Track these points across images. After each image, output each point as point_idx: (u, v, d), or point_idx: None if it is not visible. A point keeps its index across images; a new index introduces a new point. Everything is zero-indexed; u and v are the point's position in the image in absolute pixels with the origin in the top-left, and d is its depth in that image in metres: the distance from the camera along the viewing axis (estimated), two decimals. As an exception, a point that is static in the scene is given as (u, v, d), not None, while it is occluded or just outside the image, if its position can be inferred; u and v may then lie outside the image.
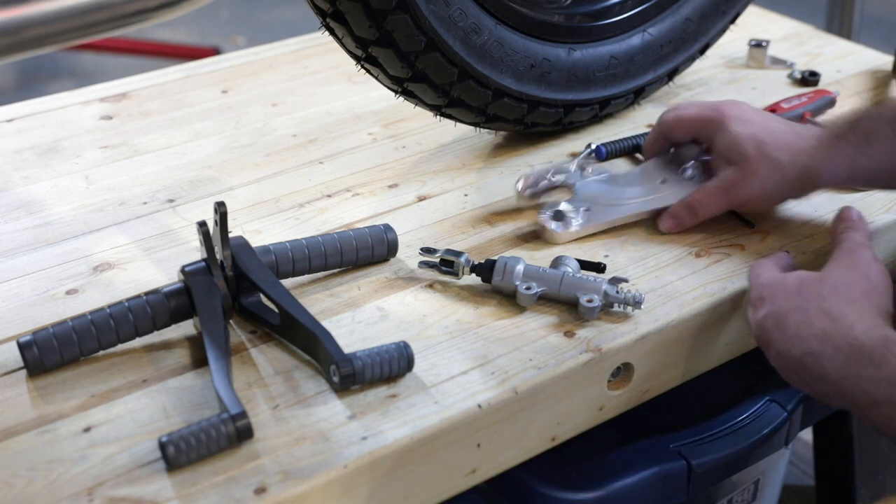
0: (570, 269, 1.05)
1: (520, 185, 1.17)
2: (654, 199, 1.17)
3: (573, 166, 1.19)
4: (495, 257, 1.05)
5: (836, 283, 0.96)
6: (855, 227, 1.05)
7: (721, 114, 1.14)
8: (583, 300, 1.01)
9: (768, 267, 1.03)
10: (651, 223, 1.17)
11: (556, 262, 1.07)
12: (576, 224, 1.14)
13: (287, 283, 1.05)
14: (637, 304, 1.01)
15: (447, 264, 1.06)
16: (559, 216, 1.14)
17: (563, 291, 1.03)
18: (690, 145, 1.19)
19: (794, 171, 1.09)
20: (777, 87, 1.49)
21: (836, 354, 0.90)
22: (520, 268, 1.04)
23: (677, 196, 1.16)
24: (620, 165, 1.30)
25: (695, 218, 1.14)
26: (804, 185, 1.11)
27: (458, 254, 1.06)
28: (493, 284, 1.05)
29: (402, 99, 1.26)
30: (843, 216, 1.07)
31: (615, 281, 1.03)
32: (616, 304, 1.02)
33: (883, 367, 0.88)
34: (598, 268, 1.07)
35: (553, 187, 1.18)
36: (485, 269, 1.05)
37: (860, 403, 0.90)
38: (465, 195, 1.24)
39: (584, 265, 1.08)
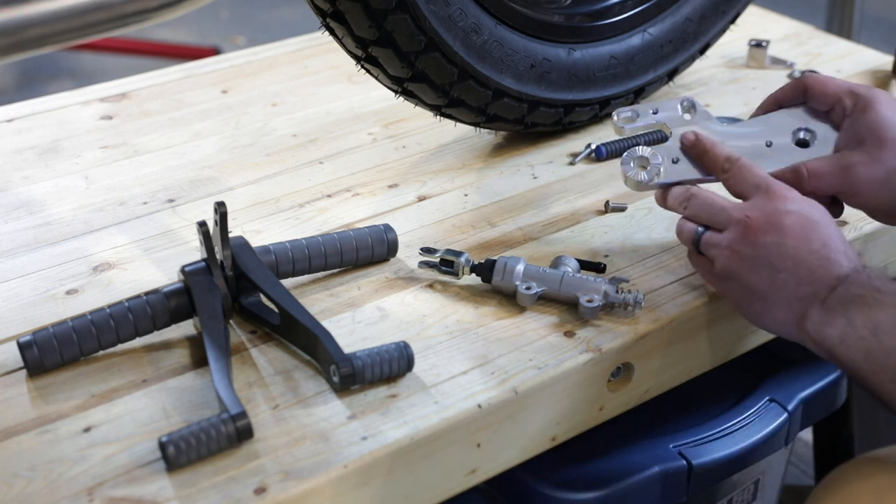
0: (570, 269, 1.05)
1: (618, 116, 1.10)
2: (756, 162, 1.05)
3: (679, 108, 1.10)
4: (495, 257, 1.05)
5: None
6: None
7: (874, 94, 1.07)
8: (583, 300, 1.01)
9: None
10: (653, 224, 1.16)
11: (556, 262, 1.07)
12: (659, 177, 1.06)
13: (287, 283, 1.05)
14: (637, 304, 1.01)
15: (447, 264, 1.06)
16: (643, 163, 1.07)
17: (563, 291, 1.03)
18: (803, 114, 1.10)
19: None
20: (777, 88, 1.49)
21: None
22: (520, 268, 1.04)
23: (783, 162, 1.07)
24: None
25: (799, 187, 1.04)
26: None
27: (458, 254, 1.06)
28: (493, 284, 1.05)
29: (402, 99, 1.26)
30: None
31: (615, 281, 1.03)
32: (616, 305, 1.02)
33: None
34: (598, 268, 1.07)
35: (651, 126, 1.11)
36: (485, 269, 1.05)
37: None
38: (465, 195, 1.24)
39: (584, 265, 1.07)
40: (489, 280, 1.05)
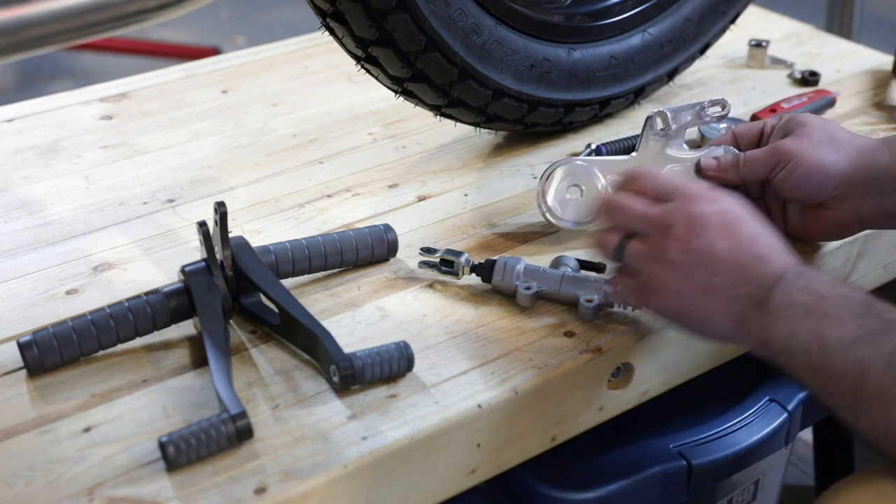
0: (569, 269, 1.05)
1: (660, 120, 1.12)
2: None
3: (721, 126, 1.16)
4: (495, 257, 1.05)
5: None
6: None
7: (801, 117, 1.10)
8: (583, 300, 1.01)
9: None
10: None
11: (556, 262, 1.07)
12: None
13: (287, 283, 1.05)
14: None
15: (447, 264, 1.06)
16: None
17: (563, 291, 1.03)
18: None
19: (852, 151, 1.04)
20: (777, 87, 1.49)
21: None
22: (520, 267, 1.04)
23: None
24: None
25: (735, 170, 1.08)
26: (860, 173, 1.04)
27: (458, 254, 1.06)
28: (493, 284, 1.05)
29: (402, 99, 1.26)
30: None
31: None
32: (616, 304, 1.02)
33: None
34: (598, 268, 1.07)
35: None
36: (485, 269, 1.05)
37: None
38: (465, 195, 1.24)
39: (584, 265, 1.07)
40: (489, 280, 1.05)
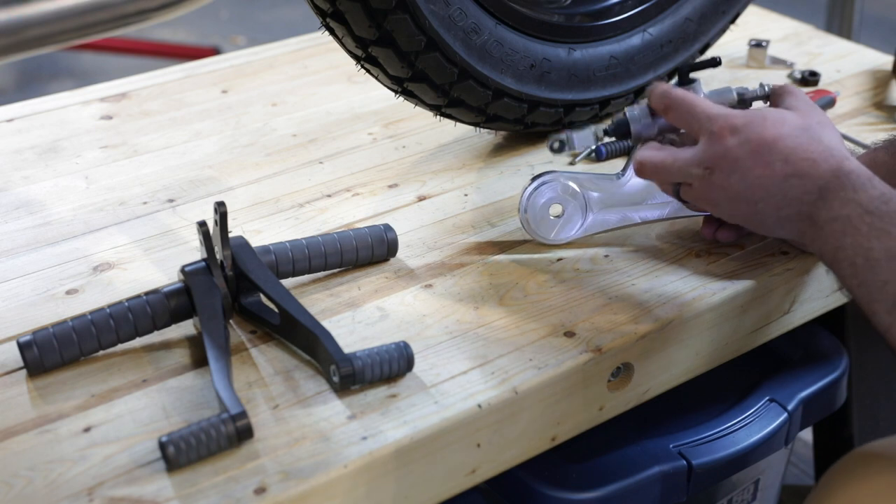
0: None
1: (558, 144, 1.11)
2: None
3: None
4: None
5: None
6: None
7: None
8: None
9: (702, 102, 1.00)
10: (653, 224, 1.16)
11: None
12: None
13: (287, 283, 1.05)
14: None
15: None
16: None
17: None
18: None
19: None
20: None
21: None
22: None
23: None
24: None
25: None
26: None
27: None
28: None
29: (402, 99, 1.26)
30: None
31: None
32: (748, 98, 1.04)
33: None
34: (714, 62, 1.07)
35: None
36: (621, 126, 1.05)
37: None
38: (465, 195, 1.24)
39: (697, 66, 1.07)
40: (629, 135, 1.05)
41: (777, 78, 1.52)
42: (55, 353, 0.94)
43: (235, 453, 0.86)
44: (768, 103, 1.05)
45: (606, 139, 1.12)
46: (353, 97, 1.48)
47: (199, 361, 0.97)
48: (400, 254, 1.11)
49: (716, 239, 1.12)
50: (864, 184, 0.90)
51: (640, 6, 1.34)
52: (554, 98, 1.28)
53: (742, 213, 0.98)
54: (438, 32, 1.15)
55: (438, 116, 1.27)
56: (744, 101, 1.06)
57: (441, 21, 1.15)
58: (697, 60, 1.06)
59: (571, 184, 1.11)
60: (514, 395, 0.93)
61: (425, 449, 0.89)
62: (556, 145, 1.07)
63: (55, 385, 0.94)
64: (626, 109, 1.07)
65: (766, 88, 1.06)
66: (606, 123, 1.08)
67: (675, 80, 1.07)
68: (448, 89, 1.21)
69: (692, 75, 1.07)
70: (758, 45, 1.55)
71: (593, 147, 1.30)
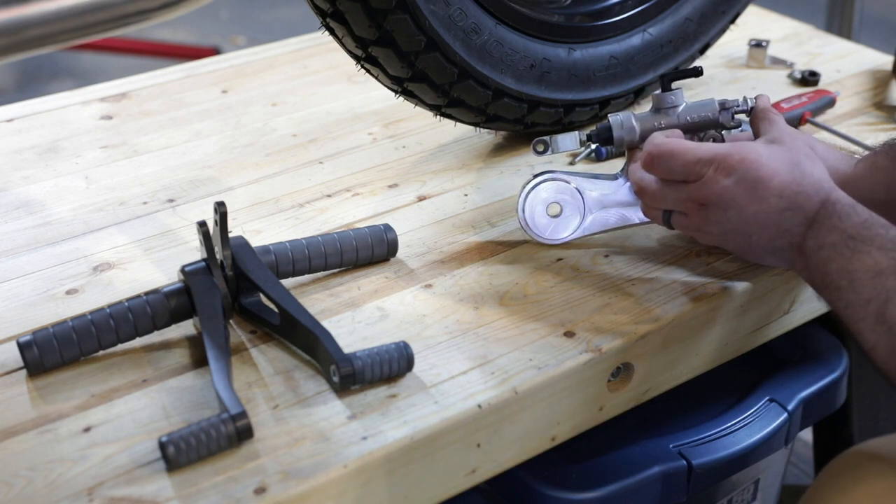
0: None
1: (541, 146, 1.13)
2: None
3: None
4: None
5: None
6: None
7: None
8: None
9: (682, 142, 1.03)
10: (653, 224, 1.16)
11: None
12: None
13: (287, 283, 1.05)
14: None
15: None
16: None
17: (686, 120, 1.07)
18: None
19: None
20: (777, 87, 1.49)
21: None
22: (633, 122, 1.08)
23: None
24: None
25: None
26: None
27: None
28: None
29: (402, 99, 1.26)
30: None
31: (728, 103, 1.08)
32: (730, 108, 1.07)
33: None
34: (696, 72, 1.09)
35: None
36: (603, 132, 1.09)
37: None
38: (465, 195, 1.24)
39: (679, 75, 1.09)
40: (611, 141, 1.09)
41: (777, 78, 1.52)
42: (55, 353, 0.94)
43: (235, 453, 0.86)
44: (748, 118, 1.09)
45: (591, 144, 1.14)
46: (353, 97, 1.48)
47: (199, 361, 0.97)
48: (400, 254, 1.11)
49: None
50: (849, 212, 0.94)
51: (640, 6, 1.34)
52: (554, 98, 1.28)
53: (736, 244, 1.02)
54: (438, 32, 1.15)
55: (438, 116, 1.27)
56: (725, 108, 1.09)
57: (441, 21, 1.15)
58: (679, 70, 1.08)
59: (570, 184, 1.11)
60: (514, 395, 0.93)
61: (425, 449, 0.89)
62: (540, 147, 1.11)
63: (55, 385, 0.94)
64: (609, 116, 1.10)
65: (749, 103, 1.09)
66: (591, 128, 1.11)
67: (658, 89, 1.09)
68: (448, 89, 1.21)
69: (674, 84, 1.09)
70: (758, 45, 1.55)
71: (592, 147, 1.30)
